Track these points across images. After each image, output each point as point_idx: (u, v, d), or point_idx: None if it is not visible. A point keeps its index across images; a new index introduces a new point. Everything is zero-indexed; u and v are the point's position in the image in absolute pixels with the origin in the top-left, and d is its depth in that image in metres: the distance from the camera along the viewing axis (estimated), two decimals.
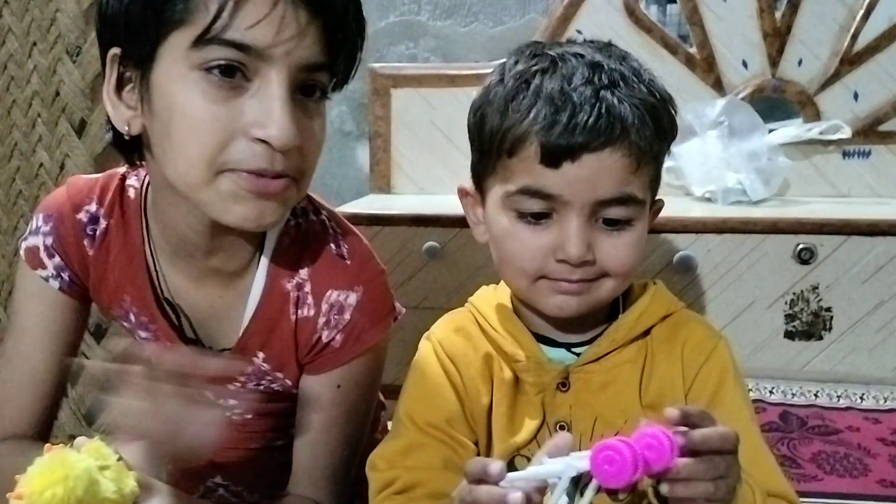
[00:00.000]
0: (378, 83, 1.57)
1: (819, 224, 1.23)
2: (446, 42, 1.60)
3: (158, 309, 0.82)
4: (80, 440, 0.63)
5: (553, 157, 0.66)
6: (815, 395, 1.23)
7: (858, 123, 1.45)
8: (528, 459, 0.73)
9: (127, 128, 0.71)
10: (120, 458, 0.60)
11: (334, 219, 0.83)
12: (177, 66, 0.65)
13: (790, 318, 1.26)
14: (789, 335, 1.27)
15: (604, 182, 0.66)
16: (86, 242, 0.82)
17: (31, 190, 1.60)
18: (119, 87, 0.70)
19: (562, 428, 0.74)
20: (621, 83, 0.67)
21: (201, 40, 0.63)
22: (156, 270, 0.81)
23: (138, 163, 0.77)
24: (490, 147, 0.70)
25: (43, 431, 0.88)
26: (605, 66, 0.68)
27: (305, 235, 0.81)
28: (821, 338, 1.26)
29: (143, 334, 0.85)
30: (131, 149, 0.74)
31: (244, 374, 0.83)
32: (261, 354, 0.81)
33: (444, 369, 0.77)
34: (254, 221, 0.70)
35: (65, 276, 0.83)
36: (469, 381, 0.76)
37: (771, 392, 1.23)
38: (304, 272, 0.79)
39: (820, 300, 1.25)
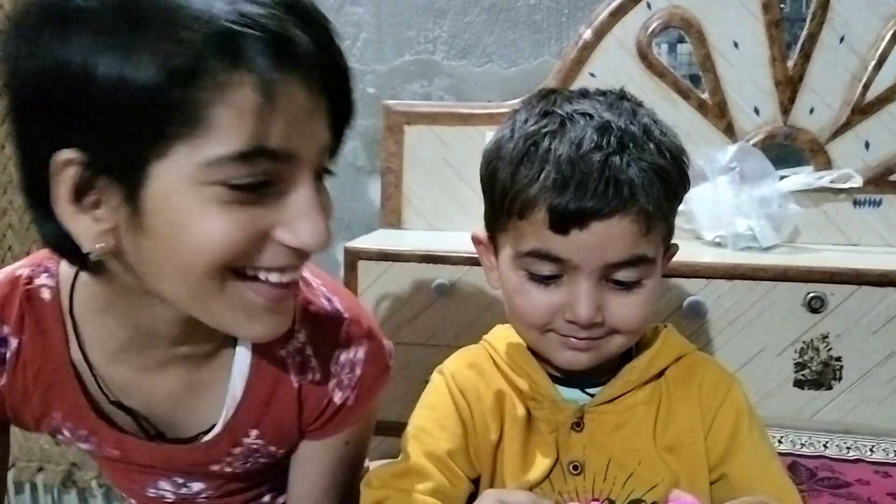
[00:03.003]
0: (391, 120, 1.58)
1: (829, 273, 1.23)
2: (460, 81, 1.62)
3: (99, 417, 0.73)
4: None
5: (561, 224, 0.66)
6: (825, 446, 1.21)
7: (870, 172, 1.45)
8: None
9: (99, 245, 0.56)
10: None
11: (312, 272, 0.78)
12: (182, 182, 0.53)
13: (800, 366, 1.25)
14: (799, 384, 1.25)
15: (613, 247, 0.67)
16: None
17: None
18: (77, 195, 0.55)
19: (575, 468, 0.74)
20: (631, 145, 0.67)
21: (213, 153, 0.52)
22: (93, 375, 0.72)
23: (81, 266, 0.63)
24: (501, 205, 0.71)
25: None
26: (614, 127, 0.67)
27: None
28: (830, 387, 1.25)
29: (83, 446, 0.76)
30: (79, 254, 0.58)
31: (230, 456, 0.77)
32: (253, 432, 0.76)
33: (455, 402, 0.77)
34: (267, 337, 0.63)
35: None
36: (479, 416, 0.76)
37: (780, 441, 1.21)
38: (301, 335, 0.74)
39: (830, 349, 1.24)
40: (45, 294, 0.70)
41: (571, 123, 0.68)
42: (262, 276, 0.59)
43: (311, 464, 0.80)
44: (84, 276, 0.67)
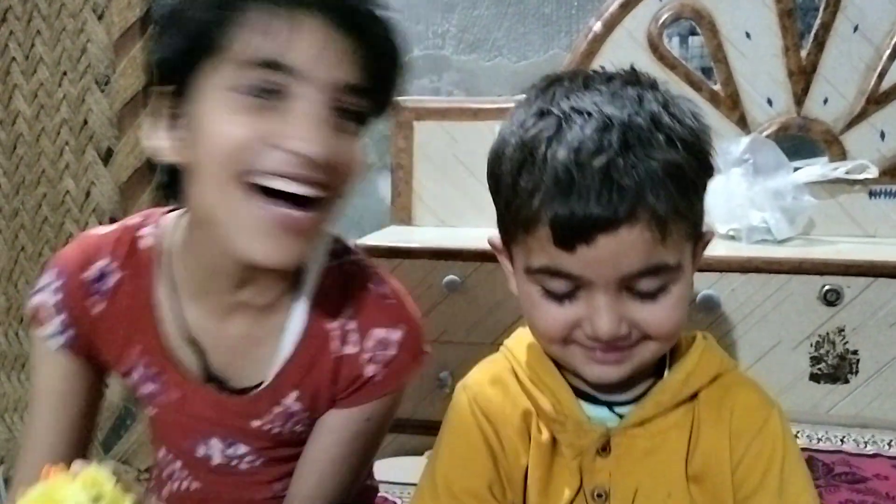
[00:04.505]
0: (401, 116, 1.58)
1: (845, 265, 1.21)
2: (470, 76, 1.61)
3: (168, 359, 0.81)
4: (76, 465, 0.62)
5: (565, 241, 0.60)
6: (842, 441, 1.20)
7: (885, 163, 1.44)
8: None
9: (176, 156, 0.72)
10: (118, 481, 0.60)
11: (366, 260, 0.85)
12: (216, 91, 0.67)
13: (815, 360, 1.24)
14: (815, 378, 1.24)
15: (626, 259, 0.61)
16: (91, 300, 0.81)
17: (57, 217, 1.62)
18: (171, 122, 0.72)
19: (599, 497, 0.69)
20: (636, 143, 0.60)
21: (236, 64, 0.66)
22: (170, 315, 0.80)
23: (178, 204, 0.78)
24: (507, 217, 0.66)
25: None
26: (616, 124, 0.61)
27: (346, 276, 0.81)
28: (847, 381, 1.23)
29: (150, 387, 0.84)
30: (176, 189, 0.75)
31: (271, 414, 0.82)
32: (293, 394, 0.81)
33: (481, 428, 0.72)
34: (275, 260, 0.69)
35: (70, 332, 0.82)
36: (507, 441, 0.71)
37: (796, 436, 1.20)
38: (348, 311, 0.80)
39: (846, 343, 1.22)
40: (148, 241, 0.82)
41: (568, 124, 0.61)
42: (272, 184, 0.67)
43: (329, 431, 0.83)
44: (179, 226, 0.81)
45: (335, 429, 0.83)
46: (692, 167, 0.62)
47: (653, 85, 0.65)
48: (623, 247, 0.60)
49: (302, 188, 0.68)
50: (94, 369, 0.86)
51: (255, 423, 0.83)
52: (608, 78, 0.66)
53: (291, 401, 0.81)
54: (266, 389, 0.81)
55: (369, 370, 0.80)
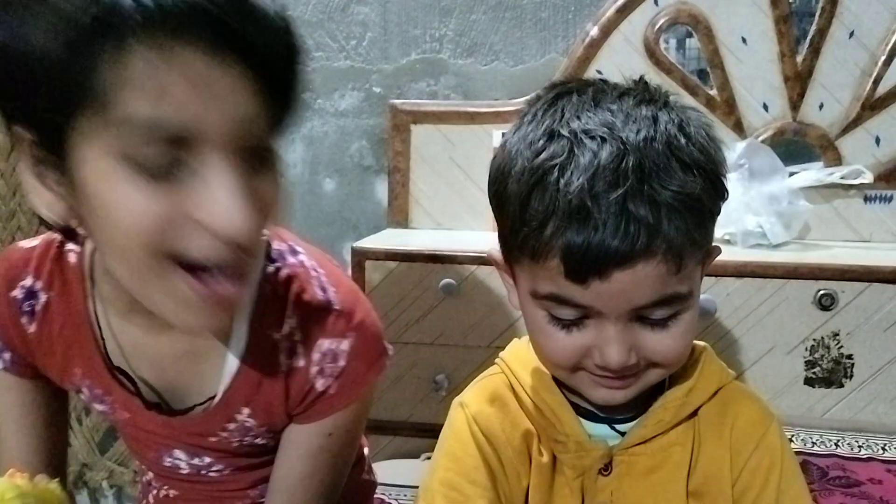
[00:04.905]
0: (398, 119, 1.58)
1: (840, 270, 1.22)
2: (467, 80, 1.61)
3: (112, 377, 0.77)
4: (38, 478, 0.61)
5: (578, 275, 0.58)
6: (836, 445, 1.20)
7: (880, 168, 1.44)
8: None
9: (46, 211, 0.60)
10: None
11: (314, 257, 0.78)
12: (104, 158, 0.54)
13: (810, 364, 1.24)
14: (809, 382, 1.24)
15: (640, 292, 0.59)
16: (24, 320, 0.77)
17: None
18: (37, 167, 0.58)
19: None
20: (653, 172, 0.57)
21: (122, 128, 0.52)
22: (108, 333, 0.76)
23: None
24: (513, 241, 0.63)
25: None
26: (631, 150, 0.58)
27: (287, 281, 0.75)
28: (841, 385, 1.24)
29: (99, 407, 0.81)
30: (76, 237, 0.65)
31: (226, 431, 0.78)
32: (245, 410, 0.77)
33: (480, 449, 0.70)
34: (203, 330, 0.68)
35: (6, 356, 0.79)
36: (508, 464, 0.70)
37: (791, 440, 1.21)
38: (292, 321, 0.75)
39: (841, 347, 1.23)
40: (72, 257, 0.76)
41: (581, 149, 0.58)
42: (197, 262, 0.58)
43: (293, 447, 0.79)
44: None
45: (298, 445, 0.79)
46: (708, 194, 0.60)
47: (666, 102, 0.63)
48: (637, 280, 0.58)
49: (237, 273, 0.60)
50: (46, 384, 0.82)
51: (212, 439, 0.79)
52: (619, 95, 0.63)
53: (245, 416, 0.77)
54: (217, 406, 0.76)
55: (320, 384, 0.75)
